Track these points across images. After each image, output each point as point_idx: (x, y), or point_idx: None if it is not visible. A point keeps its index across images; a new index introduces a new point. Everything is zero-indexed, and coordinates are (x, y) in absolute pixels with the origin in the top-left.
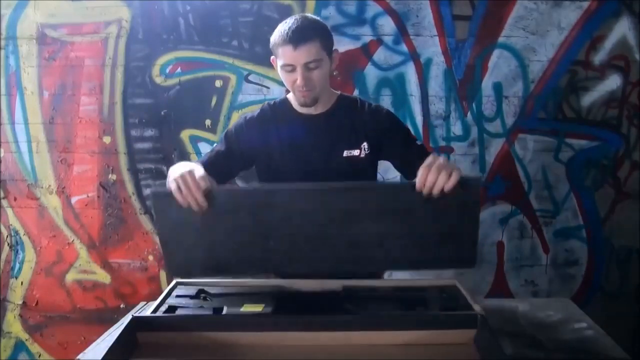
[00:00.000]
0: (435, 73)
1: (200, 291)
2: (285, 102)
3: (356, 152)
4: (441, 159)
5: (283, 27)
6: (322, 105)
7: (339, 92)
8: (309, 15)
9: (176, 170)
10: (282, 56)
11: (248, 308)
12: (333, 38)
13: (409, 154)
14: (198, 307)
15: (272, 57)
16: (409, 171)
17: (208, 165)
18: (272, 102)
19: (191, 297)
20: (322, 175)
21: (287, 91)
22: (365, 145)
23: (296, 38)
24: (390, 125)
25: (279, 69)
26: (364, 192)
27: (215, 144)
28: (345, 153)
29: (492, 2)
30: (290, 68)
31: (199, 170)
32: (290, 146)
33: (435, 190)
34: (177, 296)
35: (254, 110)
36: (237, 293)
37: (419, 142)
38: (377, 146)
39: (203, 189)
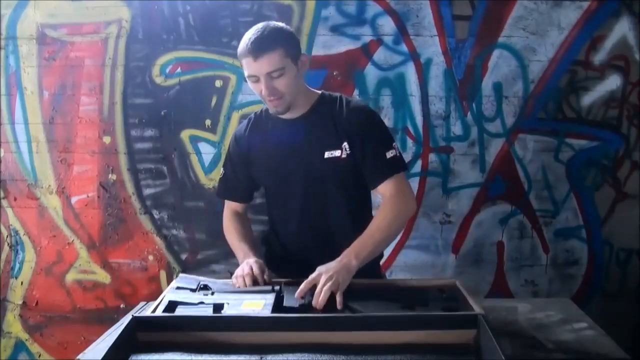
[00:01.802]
0: (435, 73)
1: (201, 287)
2: (269, 109)
3: (337, 153)
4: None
5: (245, 38)
6: (301, 108)
7: (320, 92)
8: (273, 23)
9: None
10: (246, 67)
11: (248, 304)
12: (299, 42)
13: (370, 164)
14: (198, 303)
15: None
16: (368, 181)
17: (232, 193)
18: (258, 111)
19: (192, 290)
20: (305, 179)
21: None
22: (346, 145)
23: (255, 49)
24: (365, 127)
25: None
26: None
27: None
28: (327, 154)
29: (492, 2)
30: (254, 79)
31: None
32: (274, 152)
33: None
34: (178, 288)
35: (245, 121)
36: (237, 292)
37: (390, 154)
38: (355, 146)
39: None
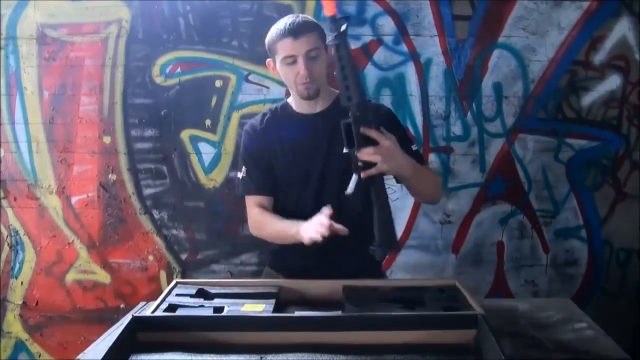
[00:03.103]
0: (435, 73)
1: (201, 290)
2: (285, 106)
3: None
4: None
5: (279, 25)
6: (322, 104)
7: (337, 91)
8: (301, 14)
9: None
10: (282, 49)
11: (248, 308)
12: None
13: None
14: (198, 307)
15: (267, 60)
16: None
17: (260, 186)
18: (273, 107)
19: (191, 295)
20: (322, 173)
21: (287, 94)
22: None
23: (296, 30)
24: (389, 126)
25: (278, 65)
26: None
27: (241, 173)
28: (345, 151)
29: (492, 2)
30: (291, 60)
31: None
32: (292, 147)
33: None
34: (177, 295)
35: (256, 117)
36: (237, 293)
37: (414, 147)
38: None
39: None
